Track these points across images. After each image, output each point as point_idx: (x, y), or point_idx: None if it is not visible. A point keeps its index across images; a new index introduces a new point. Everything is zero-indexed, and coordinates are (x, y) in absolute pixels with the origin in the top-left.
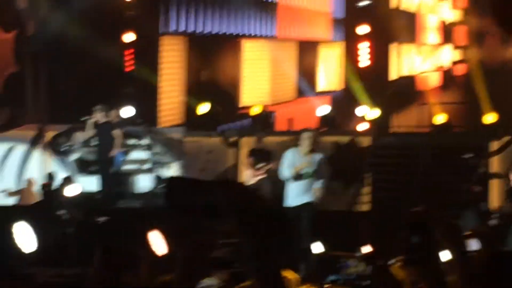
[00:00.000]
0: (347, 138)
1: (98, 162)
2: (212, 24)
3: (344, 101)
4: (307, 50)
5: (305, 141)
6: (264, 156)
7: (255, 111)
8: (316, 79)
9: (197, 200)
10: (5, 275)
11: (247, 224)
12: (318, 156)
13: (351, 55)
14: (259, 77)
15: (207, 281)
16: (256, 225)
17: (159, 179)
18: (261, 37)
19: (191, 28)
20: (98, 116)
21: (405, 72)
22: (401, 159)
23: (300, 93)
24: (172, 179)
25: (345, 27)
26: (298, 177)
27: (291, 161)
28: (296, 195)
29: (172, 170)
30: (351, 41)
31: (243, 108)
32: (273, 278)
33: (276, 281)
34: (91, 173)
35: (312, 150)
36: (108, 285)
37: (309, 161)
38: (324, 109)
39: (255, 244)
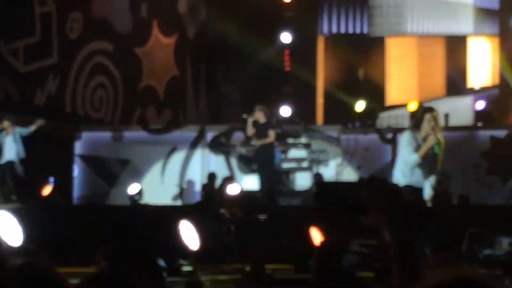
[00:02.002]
0: (504, 132)
1: (257, 161)
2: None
3: (500, 97)
4: (455, 45)
5: (426, 122)
6: None
7: (411, 107)
8: (467, 75)
9: (345, 199)
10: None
11: (392, 217)
12: (438, 141)
13: (507, 48)
14: (406, 74)
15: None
16: (401, 217)
17: (317, 177)
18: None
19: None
20: (258, 115)
21: None
22: None
23: (451, 89)
24: (319, 183)
25: (500, 19)
26: (422, 161)
27: (411, 145)
28: (410, 181)
29: (330, 168)
30: (505, 34)
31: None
32: (410, 265)
33: (413, 267)
34: (251, 172)
35: (432, 133)
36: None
37: (429, 144)
38: (480, 104)
39: (399, 234)
